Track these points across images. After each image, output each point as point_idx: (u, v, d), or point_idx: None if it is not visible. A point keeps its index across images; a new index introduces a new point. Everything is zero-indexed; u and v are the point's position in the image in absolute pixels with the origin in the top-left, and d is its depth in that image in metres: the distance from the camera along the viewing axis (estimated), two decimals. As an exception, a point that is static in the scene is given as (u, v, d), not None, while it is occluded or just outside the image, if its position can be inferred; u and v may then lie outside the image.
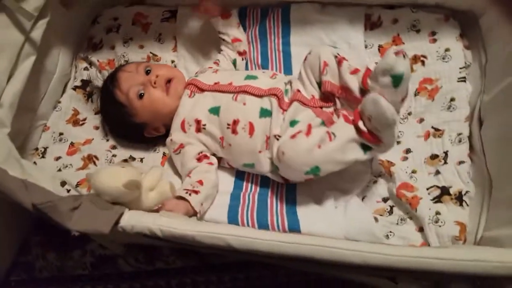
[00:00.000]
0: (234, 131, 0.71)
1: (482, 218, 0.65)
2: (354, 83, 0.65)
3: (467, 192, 0.69)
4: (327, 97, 0.71)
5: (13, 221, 0.97)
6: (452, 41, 0.78)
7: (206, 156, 0.75)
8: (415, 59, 0.80)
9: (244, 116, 0.72)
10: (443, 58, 0.78)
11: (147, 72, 0.79)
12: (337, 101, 0.70)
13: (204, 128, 0.74)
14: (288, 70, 0.87)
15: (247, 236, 0.52)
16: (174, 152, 0.76)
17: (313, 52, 0.72)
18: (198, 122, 0.75)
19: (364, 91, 0.64)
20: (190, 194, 0.66)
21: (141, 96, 0.77)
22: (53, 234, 1.07)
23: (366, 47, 0.84)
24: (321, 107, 0.71)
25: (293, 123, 0.69)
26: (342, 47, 0.84)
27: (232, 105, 0.73)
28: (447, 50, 0.78)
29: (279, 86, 0.73)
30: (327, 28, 0.85)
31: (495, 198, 0.65)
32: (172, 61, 0.94)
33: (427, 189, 0.71)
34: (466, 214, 0.67)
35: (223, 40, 0.86)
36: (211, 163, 0.74)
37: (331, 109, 0.71)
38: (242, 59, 0.87)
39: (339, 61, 0.68)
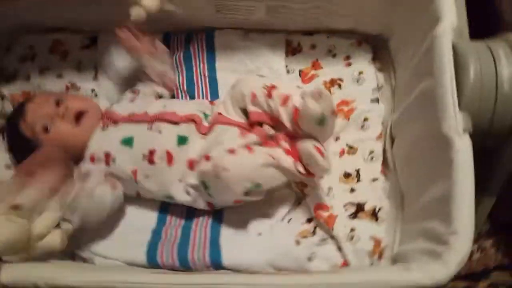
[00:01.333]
0: (151, 162, 0.69)
1: (396, 233, 0.68)
2: (285, 115, 0.65)
3: (381, 208, 0.71)
4: (252, 123, 0.71)
5: None
6: (365, 64, 0.83)
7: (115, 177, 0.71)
8: (332, 82, 0.84)
9: (161, 145, 0.69)
10: (357, 81, 0.82)
11: (57, 104, 0.74)
12: (265, 126, 0.69)
13: (114, 161, 0.71)
14: (215, 95, 0.87)
15: (137, 282, 0.49)
16: (78, 179, 0.70)
17: (240, 81, 0.71)
18: (107, 155, 0.71)
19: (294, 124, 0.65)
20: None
21: (46, 129, 0.72)
22: None
23: (288, 72, 0.86)
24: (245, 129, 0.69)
25: (218, 144, 0.67)
26: (265, 72, 0.85)
27: (147, 135, 0.71)
28: (360, 73, 0.83)
29: (196, 112, 0.72)
30: (251, 54, 0.87)
31: (406, 213, 0.68)
32: (92, 90, 0.89)
33: (344, 205, 0.72)
34: (382, 230, 0.69)
35: (146, 75, 0.82)
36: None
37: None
38: (172, 95, 0.86)
39: (269, 93, 0.66)
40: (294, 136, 0.66)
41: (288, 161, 0.64)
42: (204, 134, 0.70)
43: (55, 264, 0.54)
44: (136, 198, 0.75)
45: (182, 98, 0.86)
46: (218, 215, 0.74)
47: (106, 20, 0.88)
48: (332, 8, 0.79)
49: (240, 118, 0.70)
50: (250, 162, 0.63)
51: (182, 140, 0.70)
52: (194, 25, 0.90)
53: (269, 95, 0.66)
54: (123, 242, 0.70)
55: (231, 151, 0.63)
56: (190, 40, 0.90)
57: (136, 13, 0.74)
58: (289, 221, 0.73)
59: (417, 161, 0.66)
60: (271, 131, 0.68)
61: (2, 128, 0.84)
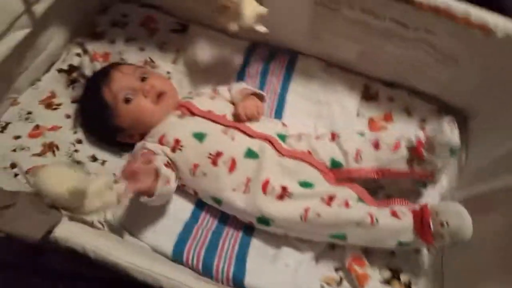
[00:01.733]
0: (215, 163, 0.69)
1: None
2: (400, 160, 0.68)
3: (416, 283, 0.68)
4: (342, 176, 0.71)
5: None
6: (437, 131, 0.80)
7: (172, 168, 0.71)
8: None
9: (229, 151, 0.70)
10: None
11: (143, 79, 0.77)
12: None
13: (180, 150, 0.71)
14: (279, 114, 0.86)
15: (181, 282, 0.48)
16: (142, 154, 0.71)
17: (343, 138, 0.72)
18: (177, 141, 0.72)
19: (412, 160, 0.68)
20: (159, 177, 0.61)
21: (128, 101, 0.74)
22: None
23: (358, 115, 0.85)
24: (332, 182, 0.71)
25: (306, 185, 0.68)
26: (336, 109, 0.85)
27: (220, 137, 0.71)
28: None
29: (271, 133, 0.72)
30: (327, 87, 0.87)
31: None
32: (168, 72, 0.92)
33: (379, 267, 0.70)
34: (411, 307, 0.66)
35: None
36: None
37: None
38: None
39: (376, 145, 0.70)
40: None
41: (394, 223, 0.64)
42: (282, 155, 0.71)
43: (106, 236, 0.54)
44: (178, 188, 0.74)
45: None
46: (249, 230, 0.72)
47: (200, 12, 0.91)
48: (426, 70, 0.78)
49: (325, 166, 0.72)
50: (344, 217, 0.64)
51: (251, 154, 0.70)
52: (281, 44, 0.91)
53: (377, 147, 0.69)
54: (154, 225, 0.70)
55: (328, 203, 0.65)
56: (273, 56, 0.91)
57: (233, 26, 0.76)
58: (317, 262, 0.71)
59: (478, 253, 0.62)
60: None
61: (75, 80, 0.87)
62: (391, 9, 0.69)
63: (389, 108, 0.85)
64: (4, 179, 0.64)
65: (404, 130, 0.82)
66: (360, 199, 0.68)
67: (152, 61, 0.92)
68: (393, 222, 0.64)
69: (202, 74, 0.92)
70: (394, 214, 0.65)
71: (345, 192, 0.68)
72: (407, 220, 0.64)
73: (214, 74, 0.92)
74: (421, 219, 0.63)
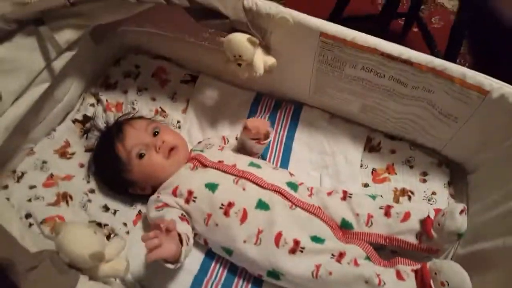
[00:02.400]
0: (227, 213, 0.71)
1: None
2: (409, 232, 0.71)
3: None
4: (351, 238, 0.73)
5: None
6: (440, 186, 0.83)
7: (187, 221, 0.73)
8: (403, 192, 0.84)
9: (241, 201, 0.71)
10: (429, 200, 0.82)
11: (155, 134, 0.80)
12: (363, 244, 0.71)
13: (194, 201, 0.73)
14: (285, 163, 0.89)
15: None
16: (156, 208, 0.74)
17: (355, 199, 0.74)
18: (190, 193, 0.74)
19: (421, 235, 0.70)
20: (182, 242, 0.63)
21: (141, 156, 0.77)
22: None
23: (361, 166, 0.88)
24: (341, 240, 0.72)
25: (317, 240, 0.69)
26: (340, 159, 0.87)
27: (231, 188, 0.73)
28: (433, 193, 0.83)
29: (280, 184, 0.74)
30: (331, 138, 0.90)
31: None
32: (178, 121, 0.95)
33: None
34: None
35: (243, 148, 0.84)
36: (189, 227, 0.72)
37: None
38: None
39: (387, 212, 0.72)
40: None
41: (399, 285, 0.65)
42: (295, 206, 0.72)
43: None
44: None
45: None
46: (258, 283, 0.73)
47: (209, 64, 0.96)
48: (425, 126, 0.81)
49: (335, 224, 0.74)
50: (354, 274, 0.65)
51: (262, 205, 0.71)
52: (286, 95, 0.95)
53: (388, 214, 0.72)
54: (165, 278, 0.71)
55: (338, 260, 0.67)
56: (279, 107, 0.95)
57: (243, 75, 0.80)
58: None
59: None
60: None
61: (89, 129, 0.90)
62: (390, 69, 0.73)
63: (392, 160, 0.88)
64: (26, 234, 0.65)
65: (406, 183, 0.85)
66: (368, 258, 0.69)
67: (163, 110, 0.96)
68: (399, 285, 0.65)
69: (210, 123, 0.96)
70: (398, 275, 0.66)
71: (355, 250, 0.69)
72: (410, 281, 0.65)
73: (222, 123, 0.95)
74: (422, 279, 0.64)
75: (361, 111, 0.87)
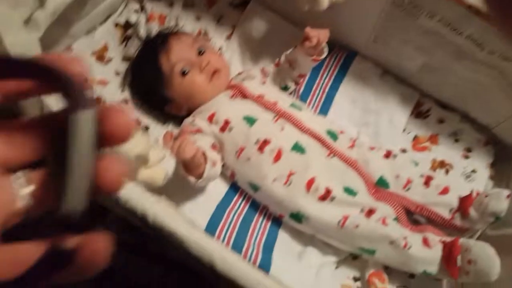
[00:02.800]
0: (261, 149, 0.69)
1: None
2: (444, 206, 0.68)
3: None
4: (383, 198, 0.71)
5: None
6: (482, 165, 0.79)
7: (218, 150, 0.71)
8: (442, 164, 0.80)
9: (277, 141, 0.69)
10: (467, 177, 0.79)
11: (200, 52, 0.76)
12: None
13: (230, 131, 0.71)
14: (324, 112, 0.85)
15: (236, 266, 0.49)
16: (189, 132, 0.72)
17: (398, 161, 0.72)
18: (226, 122, 0.71)
19: (456, 211, 0.68)
20: (207, 160, 0.62)
21: (184, 73, 0.74)
22: None
23: (404, 130, 0.84)
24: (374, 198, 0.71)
25: (349, 191, 0.68)
26: (383, 120, 0.83)
27: (270, 125, 0.71)
28: (473, 171, 0.79)
29: (320, 131, 0.71)
30: (379, 95, 0.85)
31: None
32: (220, 48, 0.90)
33: (397, 286, 0.70)
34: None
35: (290, 66, 0.80)
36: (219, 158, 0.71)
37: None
38: (294, 90, 0.85)
39: (427, 182, 0.70)
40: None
41: (424, 251, 0.64)
42: (332, 155, 0.70)
43: (164, 203, 0.54)
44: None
45: (294, 98, 0.85)
46: (277, 223, 0.73)
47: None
48: (487, 99, 0.76)
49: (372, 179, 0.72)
50: (380, 233, 0.64)
51: (298, 148, 0.69)
52: (340, 39, 0.88)
53: (427, 184, 0.69)
54: (190, 200, 0.70)
55: (367, 215, 0.65)
56: (330, 51, 0.88)
57: (304, 6, 0.73)
58: (336, 268, 0.72)
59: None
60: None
61: (129, 37, 0.86)
62: (472, 26, 0.66)
63: (437, 130, 0.83)
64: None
65: (447, 156, 0.81)
66: (396, 219, 0.68)
67: (206, 33, 0.90)
68: (424, 252, 0.64)
69: (253, 55, 0.90)
70: (425, 242, 0.65)
71: (385, 209, 0.67)
72: (436, 250, 0.64)
73: (265, 58, 0.90)
74: (449, 252, 0.63)
75: (420, 70, 0.80)
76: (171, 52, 0.74)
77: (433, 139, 0.83)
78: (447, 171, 0.80)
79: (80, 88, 0.19)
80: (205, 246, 0.50)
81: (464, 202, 0.67)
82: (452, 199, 0.69)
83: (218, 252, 0.50)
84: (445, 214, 0.69)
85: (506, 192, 0.65)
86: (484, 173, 0.79)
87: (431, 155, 0.81)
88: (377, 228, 0.64)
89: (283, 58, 0.81)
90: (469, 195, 0.67)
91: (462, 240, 0.64)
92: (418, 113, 0.85)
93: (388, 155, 0.73)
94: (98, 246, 0.20)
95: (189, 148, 0.57)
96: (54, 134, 0.20)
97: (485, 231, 0.73)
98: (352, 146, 0.73)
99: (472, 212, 0.66)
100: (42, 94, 0.22)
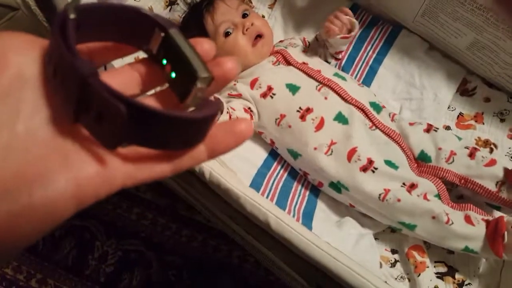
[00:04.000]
0: (303, 117, 0.68)
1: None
2: (490, 177, 0.66)
3: (469, 283, 0.68)
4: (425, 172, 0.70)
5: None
6: (527, 147, 0.78)
7: (251, 115, 0.71)
8: (486, 143, 0.79)
9: (320, 109, 0.69)
10: (511, 158, 0.78)
11: (244, 15, 0.75)
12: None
13: (272, 97, 0.71)
14: (366, 85, 0.84)
15: (289, 225, 0.49)
16: (228, 95, 0.72)
17: (441, 134, 0.71)
18: (269, 88, 0.71)
19: (502, 184, 0.66)
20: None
21: (227, 34, 0.74)
22: None
23: (448, 107, 0.82)
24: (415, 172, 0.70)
25: (390, 164, 0.67)
26: (428, 95, 0.82)
27: (313, 93, 0.70)
28: (518, 152, 0.78)
29: (364, 102, 0.71)
30: (424, 70, 0.83)
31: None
32: (263, 16, 0.89)
33: (435, 261, 0.70)
34: (460, 304, 0.67)
35: (325, 46, 0.79)
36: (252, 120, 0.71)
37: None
38: (335, 64, 0.84)
39: (471, 153, 0.68)
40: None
41: (467, 228, 0.63)
42: (375, 127, 0.69)
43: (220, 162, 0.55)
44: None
45: (336, 67, 0.84)
46: (316, 191, 0.73)
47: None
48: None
49: (413, 152, 0.71)
50: (422, 207, 0.63)
51: (341, 118, 0.69)
52: (386, 13, 0.86)
53: (472, 156, 0.68)
54: (233, 161, 0.70)
55: (408, 190, 0.64)
56: (374, 24, 0.87)
57: None
58: (375, 239, 0.72)
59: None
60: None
61: (172, 1, 0.85)
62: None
63: (483, 108, 0.81)
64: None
65: (492, 135, 0.80)
66: (438, 195, 0.67)
67: (250, 1, 0.89)
68: (467, 228, 0.63)
69: (296, 26, 0.89)
70: (467, 219, 0.64)
71: (427, 185, 0.67)
72: (480, 228, 0.63)
73: (307, 29, 0.89)
74: (495, 229, 0.62)
75: (469, 48, 0.78)
76: (216, 13, 0.74)
77: (478, 117, 0.81)
78: (491, 150, 0.78)
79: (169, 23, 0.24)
80: (261, 204, 0.50)
81: (509, 175, 0.66)
82: (499, 171, 0.67)
83: (273, 212, 0.50)
84: (491, 186, 0.67)
85: None
86: (529, 154, 0.77)
87: (476, 134, 0.80)
88: (420, 203, 0.64)
89: (315, 37, 0.80)
90: None
91: (507, 218, 0.63)
92: (464, 91, 0.83)
93: (429, 129, 0.72)
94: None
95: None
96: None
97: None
98: (392, 120, 0.72)
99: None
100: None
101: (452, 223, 0.63)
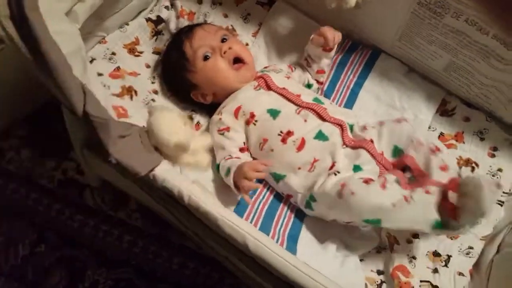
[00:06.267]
0: (284, 141, 0.70)
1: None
2: (437, 178, 0.66)
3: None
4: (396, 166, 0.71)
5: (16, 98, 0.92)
6: (509, 165, 0.79)
7: (248, 150, 0.74)
8: (467, 162, 0.80)
9: (300, 131, 0.71)
10: (493, 176, 0.79)
11: (223, 40, 0.78)
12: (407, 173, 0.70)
13: (254, 124, 0.73)
14: (348, 108, 0.86)
15: (266, 246, 0.50)
16: (218, 131, 0.74)
17: (411, 124, 0.72)
18: (252, 115, 0.73)
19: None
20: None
21: (206, 58, 0.76)
22: (38, 135, 1.03)
23: (429, 127, 0.84)
24: (385, 168, 0.71)
25: (357, 168, 0.68)
26: (408, 117, 0.83)
27: (293, 117, 0.72)
28: (499, 170, 0.79)
29: (344, 119, 0.73)
30: (403, 92, 0.85)
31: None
32: (247, 44, 0.92)
33: (421, 281, 0.70)
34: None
35: (307, 64, 0.83)
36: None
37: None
38: (318, 88, 0.86)
39: (433, 151, 0.69)
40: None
41: (427, 197, 0.62)
42: (346, 146, 0.71)
43: (198, 185, 0.56)
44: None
45: (317, 93, 0.86)
46: (301, 214, 0.73)
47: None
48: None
49: (387, 150, 0.71)
50: (378, 199, 0.62)
51: (321, 136, 0.70)
52: (365, 38, 0.89)
53: (433, 152, 0.68)
54: (219, 186, 0.72)
55: (366, 181, 0.64)
56: (354, 50, 0.90)
57: (331, 4, 0.75)
58: (360, 260, 0.72)
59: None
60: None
61: (159, 32, 0.88)
62: (499, 25, 0.67)
63: (463, 128, 0.83)
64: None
65: (472, 153, 0.81)
66: (397, 181, 0.67)
67: (234, 29, 0.93)
68: (424, 197, 0.63)
69: (278, 52, 0.92)
70: (427, 192, 0.64)
71: (387, 176, 0.67)
72: (435, 194, 0.63)
73: (290, 55, 0.91)
74: (444, 192, 0.62)
75: (446, 69, 0.81)
76: (194, 39, 0.77)
77: (458, 136, 0.83)
78: (473, 169, 0.80)
79: None
80: (239, 226, 0.51)
81: (448, 185, 0.64)
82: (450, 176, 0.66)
83: (251, 233, 0.51)
84: (443, 183, 0.65)
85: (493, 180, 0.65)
86: (510, 172, 0.78)
87: (457, 153, 0.81)
88: (375, 195, 0.62)
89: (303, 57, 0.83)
90: (452, 179, 0.64)
91: (458, 180, 0.62)
92: (444, 111, 0.85)
93: (399, 121, 0.73)
94: None
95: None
96: None
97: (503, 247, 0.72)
98: (365, 131, 0.73)
99: (451, 195, 0.63)
100: None
101: (412, 198, 0.62)
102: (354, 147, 0.71)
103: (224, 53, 0.76)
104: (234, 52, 0.77)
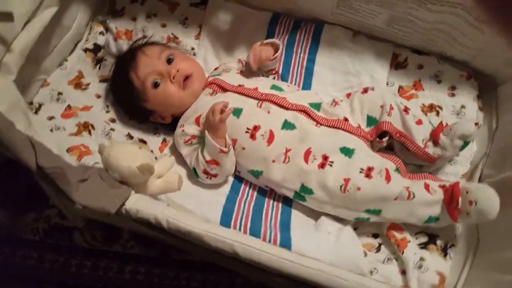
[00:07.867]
0: (253, 136, 0.70)
1: (462, 274, 0.67)
2: (417, 133, 0.71)
3: (452, 245, 0.70)
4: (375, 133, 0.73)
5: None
6: (469, 100, 0.81)
7: None
8: (431, 108, 0.82)
9: (266, 124, 0.70)
10: (457, 114, 0.81)
11: (169, 61, 0.76)
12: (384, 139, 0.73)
13: None
14: (307, 86, 0.86)
15: (255, 247, 0.50)
16: (185, 142, 0.73)
17: (378, 91, 0.74)
18: None
19: (428, 141, 0.72)
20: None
21: (156, 85, 0.75)
22: (9, 190, 1.00)
23: (387, 84, 0.85)
24: (368, 140, 0.72)
25: (346, 150, 0.69)
26: (365, 79, 0.84)
27: (256, 111, 0.72)
28: (462, 107, 0.81)
29: (304, 103, 0.73)
30: (354, 57, 0.86)
31: (478, 259, 0.66)
32: (192, 48, 0.91)
33: (416, 233, 0.72)
34: (448, 267, 0.68)
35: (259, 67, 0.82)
36: None
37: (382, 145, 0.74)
38: (270, 76, 0.86)
39: (405, 110, 0.72)
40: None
41: (427, 196, 0.65)
42: (320, 124, 0.72)
43: (172, 207, 0.55)
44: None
45: (274, 79, 0.86)
46: (288, 201, 0.74)
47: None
48: (458, 37, 0.77)
49: (362, 123, 0.73)
50: (383, 193, 0.65)
51: (288, 125, 0.71)
52: (306, 14, 0.89)
53: (406, 111, 0.71)
54: (200, 198, 0.71)
55: (367, 175, 0.65)
56: (298, 27, 0.90)
57: None
58: (355, 229, 0.73)
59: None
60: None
61: (101, 59, 0.86)
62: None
63: (419, 76, 0.84)
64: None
65: (434, 98, 0.83)
66: (397, 170, 0.69)
67: (175, 37, 0.91)
68: (427, 196, 0.65)
69: (226, 48, 0.91)
70: (427, 188, 0.66)
71: (384, 163, 0.68)
72: (438, 195, 0.66)
73: (238, 48, 0.91)
74: (451, 195, 0.64)
75: (388, 24, 0.82)
76: (139, 68, 0.75)
77: (417, 85, 0.85)
78: (437, 113, 0.81)
79: None
80: (224, 237, 0.51)
81: (435, 130, 0.71)
82: (426, 129, 0.72)
83: (237, 240, 0.51)
84: (419, 142, 0.71)
85: (474, 119, 0.70)
86: (472, 106, 0.81)
87: (420, 101, 0.83)
88: (379, 188, 0.65)
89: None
90: (440, 123, 0.71)
91: (462, 183, 0.65)
92: (397, 64, 0.86)
93: (365, 90, 0.74)
94: None
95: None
96: None
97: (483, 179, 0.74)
98: (335, 107, 0.74)
99: (442, 137, 0.70)
100: None
101: (414, 196, 0.65)
102: (330, 126, 0.72)
103: (174, 77, 0.75)
104: (183, 73, 0.75)
